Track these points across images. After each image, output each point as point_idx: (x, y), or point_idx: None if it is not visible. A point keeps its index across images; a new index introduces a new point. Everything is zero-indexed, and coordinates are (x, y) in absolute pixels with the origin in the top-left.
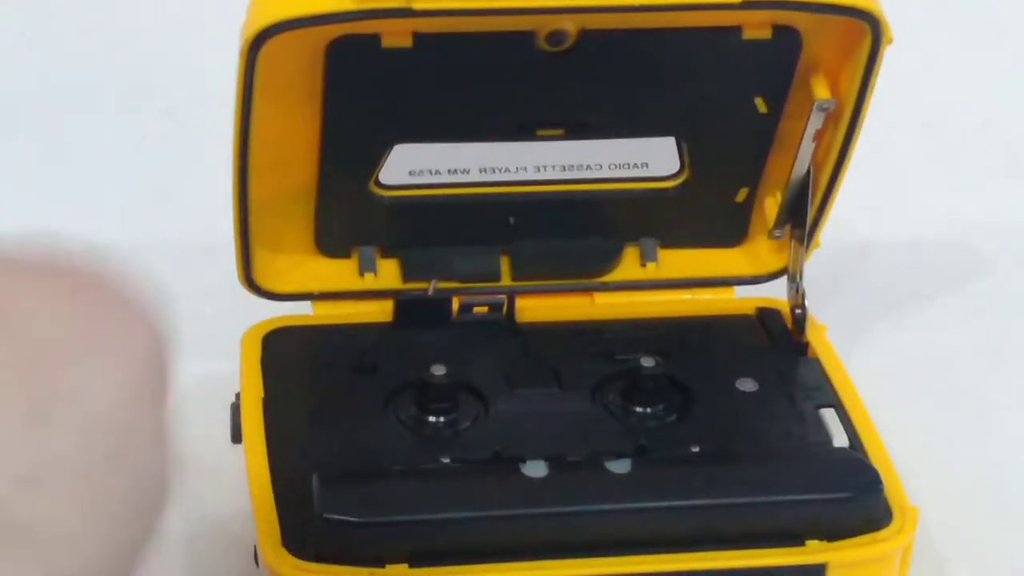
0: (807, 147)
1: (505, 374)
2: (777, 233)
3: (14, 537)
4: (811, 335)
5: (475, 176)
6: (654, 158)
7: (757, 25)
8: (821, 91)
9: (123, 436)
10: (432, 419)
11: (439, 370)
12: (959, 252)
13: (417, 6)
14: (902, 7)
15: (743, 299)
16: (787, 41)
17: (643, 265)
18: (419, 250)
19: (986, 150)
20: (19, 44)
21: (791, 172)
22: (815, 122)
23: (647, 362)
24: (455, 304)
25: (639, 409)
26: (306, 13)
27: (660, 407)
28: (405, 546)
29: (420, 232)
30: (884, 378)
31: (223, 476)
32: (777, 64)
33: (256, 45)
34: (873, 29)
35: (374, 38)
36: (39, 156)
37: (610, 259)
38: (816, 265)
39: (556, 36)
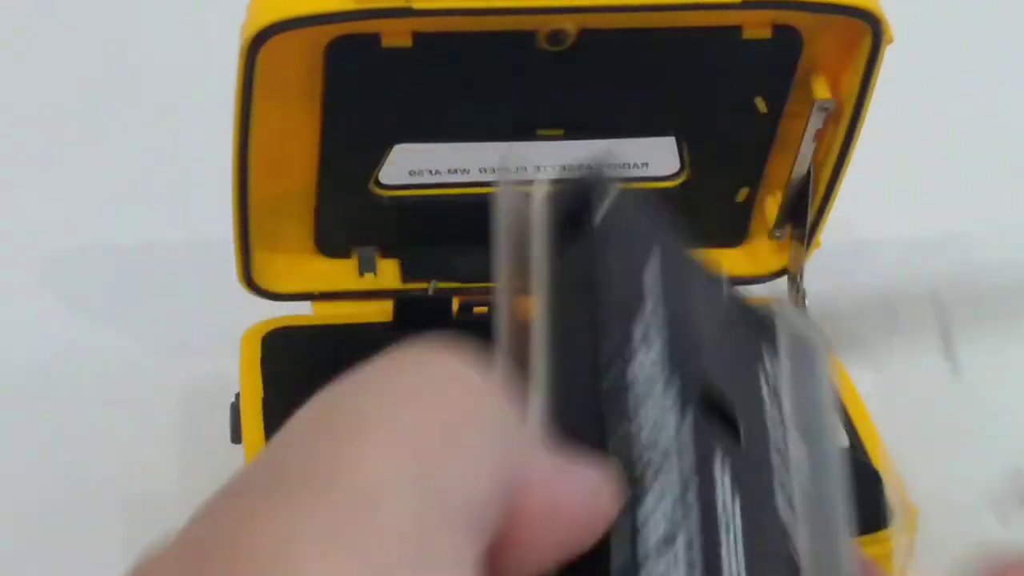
0: (807, 147)
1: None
2: (777, 233)
3: None
4: None
5: (475, 176)
6: (654, 158)
7: (757, 25)
8: (821, 91)
9: None
10: None
11: None
12: (959, 252)
13: (417, 6)
14: (902, 7)
15: None
16: (787, 41)
17: None
18: (419, 250)
19: (986, 150)
20: (16, 44)
21: (791, 172)
22: (815, 122)
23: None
24: (455, 304)
25: None
26: (306, 13)
27: None
28: None
29: (420, 232)
30: (884, 377)
31: (223, 476)
32: (777, 64)
33: (256, 45)
34: (873, 29)
35: (374, 38)
36: (37, 156)
37: None
38: (816, 265)
39: (556, 36)
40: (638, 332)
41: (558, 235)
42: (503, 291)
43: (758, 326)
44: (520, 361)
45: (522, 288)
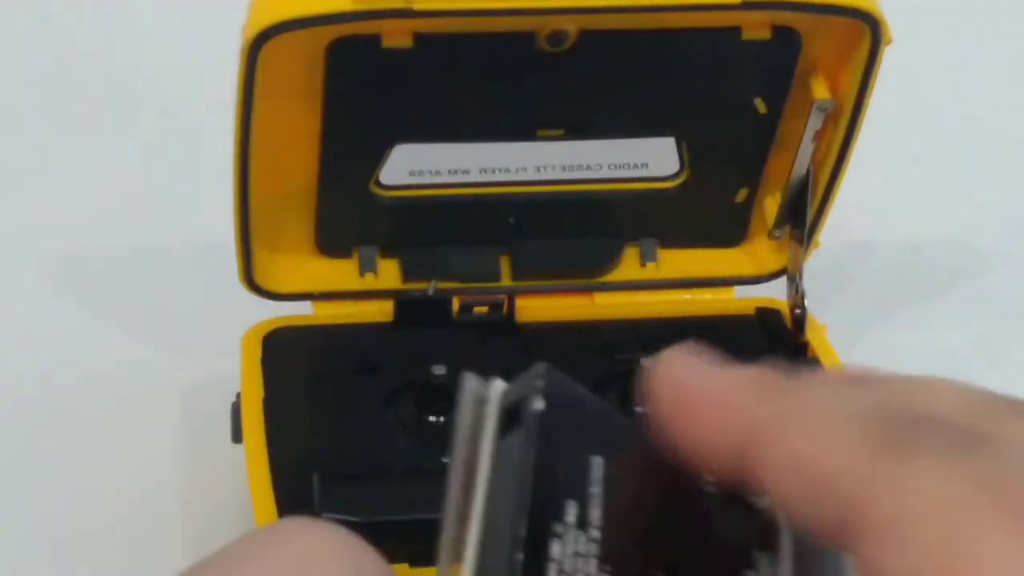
0: (807, 147)
1: (505, 374)
2: (777, 233)
3: None
4: (811, 335)
5: (475, 176)
6: (654, 158)
7: (756, 26)
8: (820, 91)
9: None
10: (432, 419)
11: (439, 370)
12: (959, 252)
13: (417, 6)
14: (902, 7)
15: (743, 299)
16: (787, 41)
17: (643, 265)
18: (419, 250)
19: (986, 150)
20: (17, 44)
21: (791, 172)
22: (815, 122)
23: (647, 362)
24: (455, 304)
25: (639, 409)
26: (306, 13)
27: None
28: (405, 546)
29: (420, 232)
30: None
31: (223, 476)
32: (777, 64)
33: (257, 45)
34: (873, 29)
35: (374, 38)
36: (38, 157)
37: (610, 259)
38: (816, 265)
39: (556, 36)
40: (570, 515)
41: (501, 427)
42: (455, 470)
43: (751, 526)
44: (461, 532)
45: (471, 470)
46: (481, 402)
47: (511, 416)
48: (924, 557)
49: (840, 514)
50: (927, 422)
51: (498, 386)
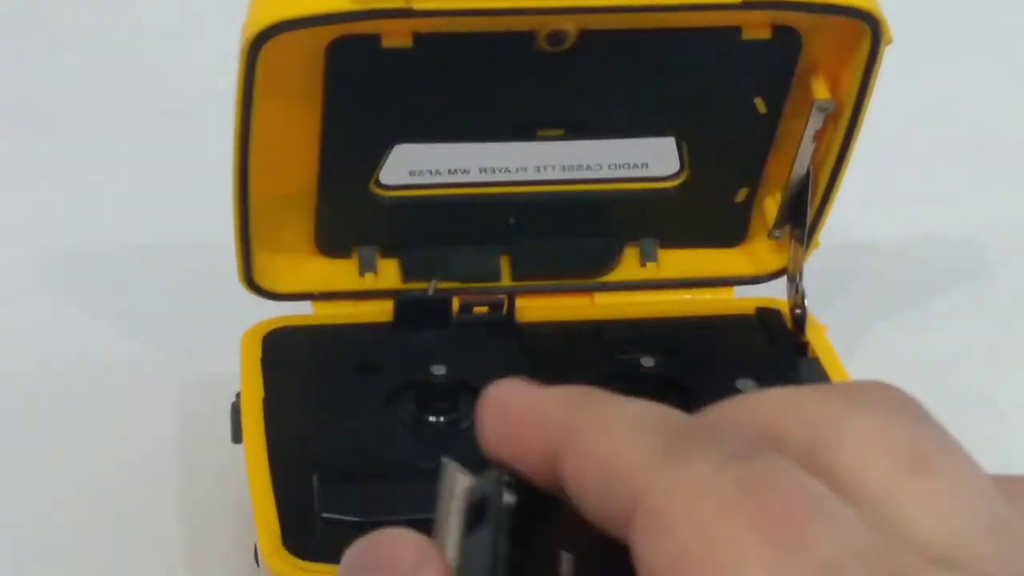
0: (807, 147)
1: (505, 374)
2: (777, 233)
3: None
4: (811, 335)
5: (475, 176)
6: (654, 158)
7: (757, 25)
8: (821, 91)
9: None
10: (432, 419)
11: (439, 370)
12: (959, 252)
13: (417, 6)
14: (902, 7)
15: (743, 299)
16: (787, 41)
17: (643, 265)
18: (419, 250)
19: (986, 150)
20: (19, 44)
21: (791, 172)
22: (815, 122)
23: (647, 362)
24: (455, 304)
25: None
26: (306, 13)
27: None
28: None
29: (420, 232)
30: (884, 378)
31: (223, 476)
32: (777, 64)
33: (256, 45)
34: (873, 29)
35: (374, 38)
36: (39, 156)
37: (610, 259)
38: (816, 265)
39: (556, 36)
40: None
41: (468, 522)
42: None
43: None
44: None
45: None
46: (452, 497)
47: (478, 511)
48: (678, 553)
49: (622, 505)
50: (716, 432)
51: (464, 480)
